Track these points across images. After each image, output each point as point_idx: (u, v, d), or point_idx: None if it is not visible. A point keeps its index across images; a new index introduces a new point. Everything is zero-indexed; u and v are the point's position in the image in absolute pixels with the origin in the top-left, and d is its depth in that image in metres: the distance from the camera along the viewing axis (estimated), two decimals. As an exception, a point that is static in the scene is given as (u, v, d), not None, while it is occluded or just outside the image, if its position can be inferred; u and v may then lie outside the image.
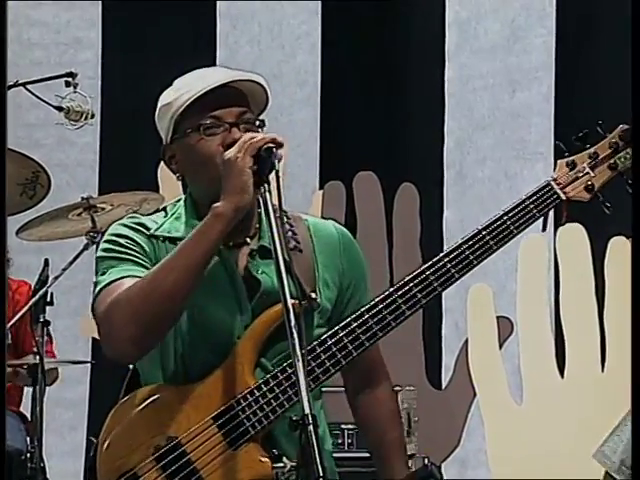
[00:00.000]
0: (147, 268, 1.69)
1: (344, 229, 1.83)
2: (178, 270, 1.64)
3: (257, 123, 1.75)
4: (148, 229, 1.75)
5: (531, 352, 3.63)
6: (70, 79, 2.61)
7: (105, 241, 1.75)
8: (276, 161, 1.66)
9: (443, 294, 3.92)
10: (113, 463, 1.68)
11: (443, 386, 3.77)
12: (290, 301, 1.58)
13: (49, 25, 4.13)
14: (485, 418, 3.67)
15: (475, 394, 3.69)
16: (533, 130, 3.78)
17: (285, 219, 1.75)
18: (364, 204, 3.88)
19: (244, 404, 1.68)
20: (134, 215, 1.79)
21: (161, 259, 1.70)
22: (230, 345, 1.70)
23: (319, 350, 1.70)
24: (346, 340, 1.71)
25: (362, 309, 1.73)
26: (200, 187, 1.77)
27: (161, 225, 1.76)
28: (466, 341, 3.73)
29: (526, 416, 3.61)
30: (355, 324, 1.72)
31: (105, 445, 1.69)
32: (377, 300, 1.72)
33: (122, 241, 1.72)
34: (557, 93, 3.76)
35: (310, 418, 1.51)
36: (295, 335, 1.55)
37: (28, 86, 2.59)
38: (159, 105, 1.77)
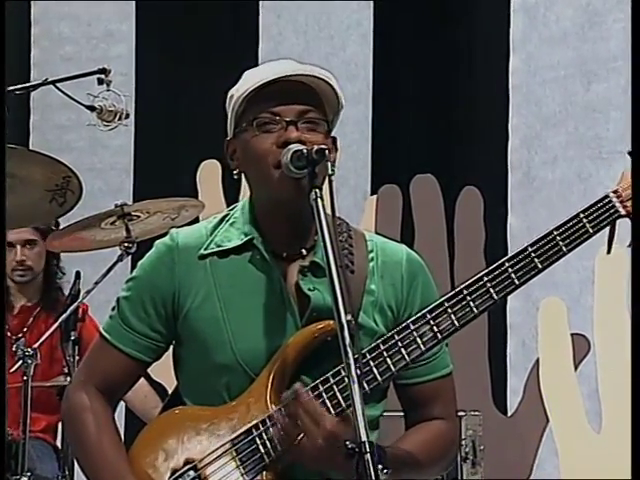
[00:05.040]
0: (153, 327, 1.78)
1: (416, 256, 1.82)
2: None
3: (324, 125, 1.74)
4: (197, 249, 1.78)
5: (610, 374, 3.58)
6: (103, 76, 2.63)
7: (137, 269, 1.81)
8: (329, 164, 1.67)
9: (507, 309, 3.88)
10: None
11: (509, 410, 3.74)
12: (344, 318, 1.58)
13: (80, 18, 4.19)
14: (559, 447, 3.62)
15: (547, 420, 3.65)
16: (611, 126, 3.72)
17: (345, 235, 1.77)
18: (422, 210, 3.86)
19: (262, 429, 1.70)
20: (182, 233, 1.81)
21: (216, 276, 1.75)
22: None
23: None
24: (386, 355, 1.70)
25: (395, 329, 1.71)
26: (253, 186, 1.79)
27: (212, 239, 1.79)
28: (537, 361, 3.69)
29: (605, 445, 3.56)
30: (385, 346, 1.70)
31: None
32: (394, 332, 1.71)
33: (145, 285, 1.78)
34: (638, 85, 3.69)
35: (367, 446, 1.51)
36: (350, 356, 1.56)
37: (58, 84, 2.62)
38: (227, 98, 1.80)
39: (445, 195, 3.85)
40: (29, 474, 2.86)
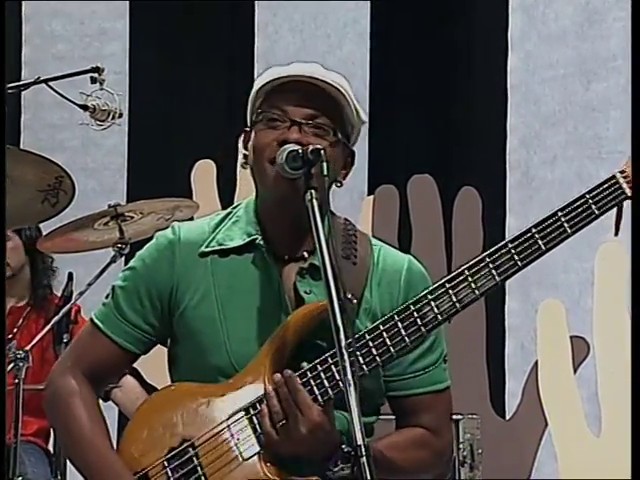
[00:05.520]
0: (147, 320, 1.78)
1: (418, 267, 1.81)
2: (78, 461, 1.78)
3: (332, 133, 1.74)
4: (199, 245, 1.78)
5: (610, 377, 3.57)
6: (96, 74, 2.63)
7: (135, 259, 1.82)
8: (324, 164, 1.67)
9: (506, 311, 3.87)
10: (130, 461, 1.73)
11: (507, 414, 3.73)
12: (339, 319, 1.59)
13: (72, 16, 4.18)
14: (558, 451, 3.61)
15: (546, 424, 3.64)
16: (611, 126, 3.71)
17: (351, 233, 1.78)
18: (420, 211, 3.85)
19: (260, 408, 1.70)
20: (184, 227, 1.81)
21: (216, 275, 1.76)
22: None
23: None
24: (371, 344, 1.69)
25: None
26: (256, 184, 1.80)
27: (214, 237, 1.79)
28: (535, 364, 3.68)
29: (605, 449, 3.55)
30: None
31: (123, 442, 1.76)
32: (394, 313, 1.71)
33: (143, 276, 1.79)
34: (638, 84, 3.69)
35: (363, 449, 1.51)
36: (346, 355, 1.56)
37: (51, 83, 2.61)
38: None
39: (443, 195, 3.85)
40: (20, 479, 2.86)
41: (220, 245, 1.77)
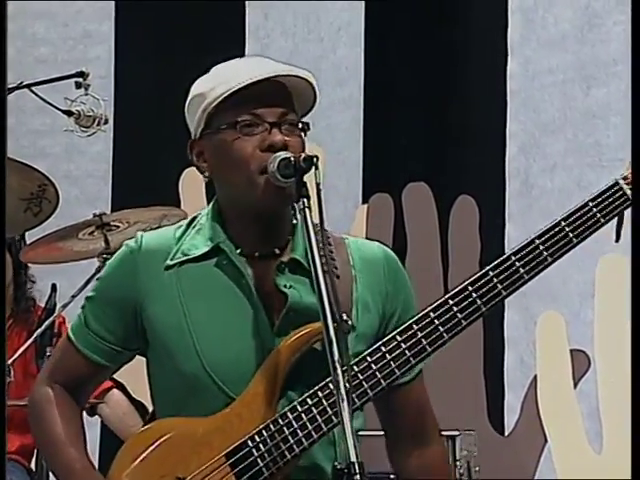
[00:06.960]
0: (110, 330, 1.80)
1: (390, 251, 1.85)
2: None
3: (300, 126, 1.77)
4: (163, 255, 1.79)
5: (611, 391, 3.59)
6: (81, 79, 2.64)
7: (104, 269, 1.86)
8: (318, 172, 1.68)
9: (505, 323, 3.88)
10: None
11: (506, 430, 3.74)
12: (332, 329, 1.60)
13: (56, 18, 4.19)
14: (558, 468, 3.62)
15: (546, 440, 3.65)
16: (611, 133, 3.73)
17: (326, 244, 1.78)
18: (415, 219, 3.86)
19: (258, 440, 1.70)
20: (148, 237, 1.82)
21: (181, 284, 1.77)
22: (251, 374, 1.73)
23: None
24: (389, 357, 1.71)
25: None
26: (228, 190, 1.80)
27: (179, 247, 1.80)
28: (534, 378, 3.69)
29: (606, 466, 3.56)
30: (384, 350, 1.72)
31: (112, 473, 1.75)
32: (411, 322, 1.74)
33: (106, 287, 1.82)
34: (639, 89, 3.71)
35: (357, 467, 1.53)
36: (339, 370, 1.57)
37: (33, 88, 2.62)
38: (191, 94, 1.80)
39: (439, 204, 3.86)
40: (1, 498, 2.85)
41: (185, 255, 1.79)
